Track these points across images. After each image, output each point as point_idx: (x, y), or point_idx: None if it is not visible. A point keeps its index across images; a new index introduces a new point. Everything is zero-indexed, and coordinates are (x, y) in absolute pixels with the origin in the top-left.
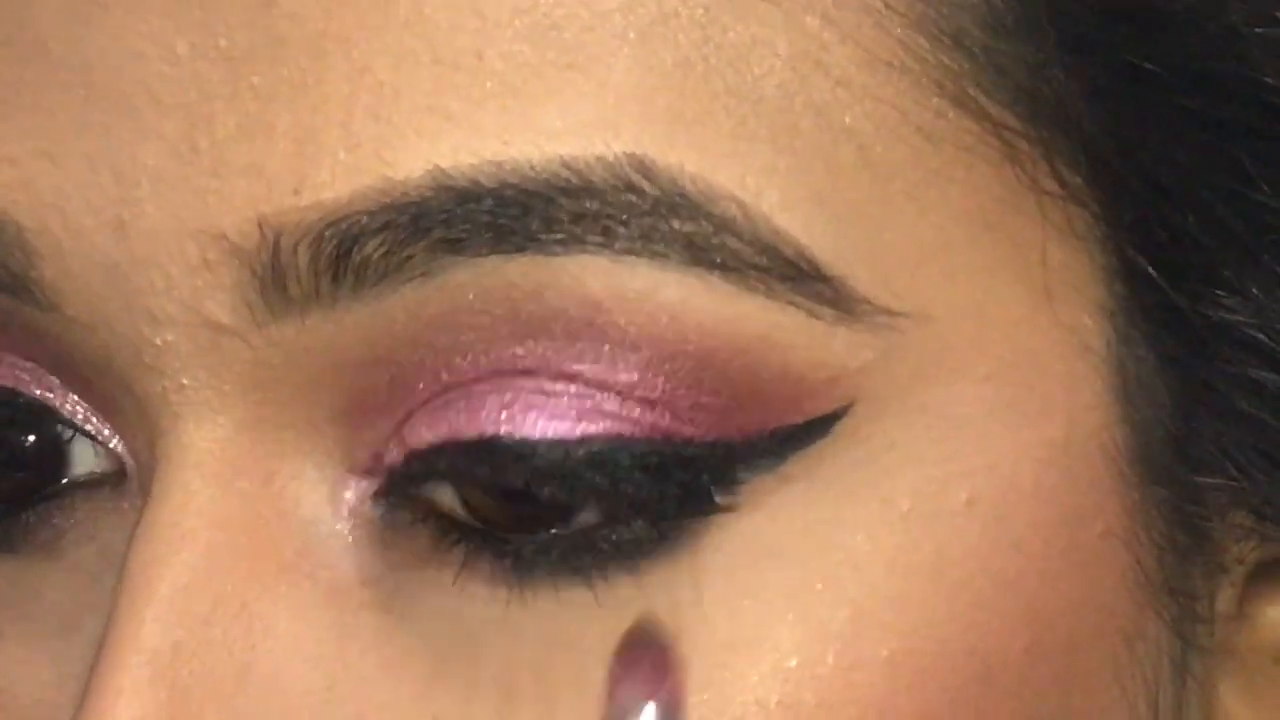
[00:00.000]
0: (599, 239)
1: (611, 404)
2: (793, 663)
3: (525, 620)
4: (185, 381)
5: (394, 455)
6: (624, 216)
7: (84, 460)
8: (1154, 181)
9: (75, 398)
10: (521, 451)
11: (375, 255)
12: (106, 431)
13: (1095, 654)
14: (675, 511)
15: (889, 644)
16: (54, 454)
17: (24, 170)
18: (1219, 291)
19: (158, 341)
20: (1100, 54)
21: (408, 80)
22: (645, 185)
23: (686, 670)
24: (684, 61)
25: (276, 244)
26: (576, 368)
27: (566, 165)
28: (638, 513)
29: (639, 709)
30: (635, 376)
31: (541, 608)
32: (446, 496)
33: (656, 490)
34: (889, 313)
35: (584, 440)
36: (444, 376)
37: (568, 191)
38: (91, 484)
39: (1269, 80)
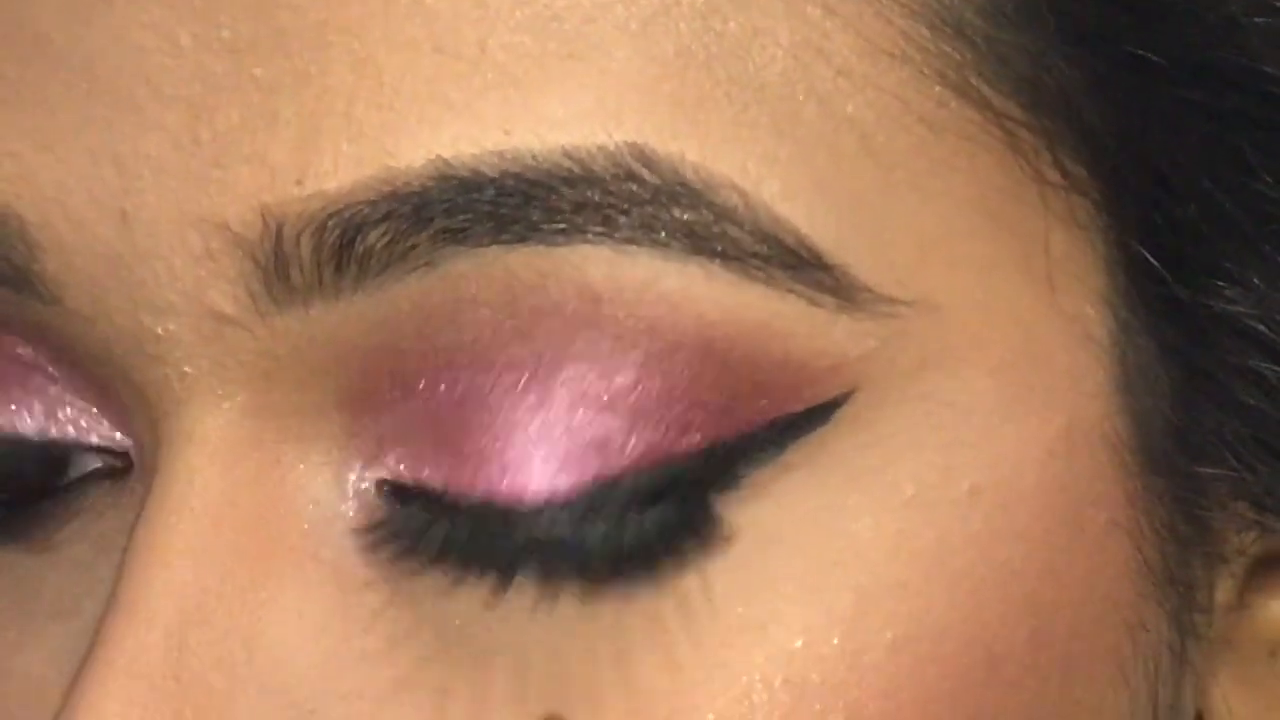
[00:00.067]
0: (600, 228)
1: (605, 432)
2: (798, 644)
3: (524, 616)
4: (187, 370)
5: (396, 466)
6: (625, 206)
7: (87, 456)
8: (1155, 172)
9: (77, 390)
10: (514, 519)
11: (378, 245)
12: (107, 425)
13: (1098, 643)
14: (675, 524)
15: (892, 628)
16: (57, 450)
17: (26, 163)
18: (1220, 282)
19: (159, 331)
20: (1102, 44)
21: (410, 70)
22: (646, 174)
23: None
24: (685, 50)
25: (279, 234)
26: (573, 381)
27: (568, 155)
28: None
29: None
30: (632, 378)
31: (540, 608)
32: None
33: (653, 524)
34: (891, 301)
35: (576, 491)
36: (445, 373)
37: (569, 181)
38: (94, 479)
39: (1270, 70)
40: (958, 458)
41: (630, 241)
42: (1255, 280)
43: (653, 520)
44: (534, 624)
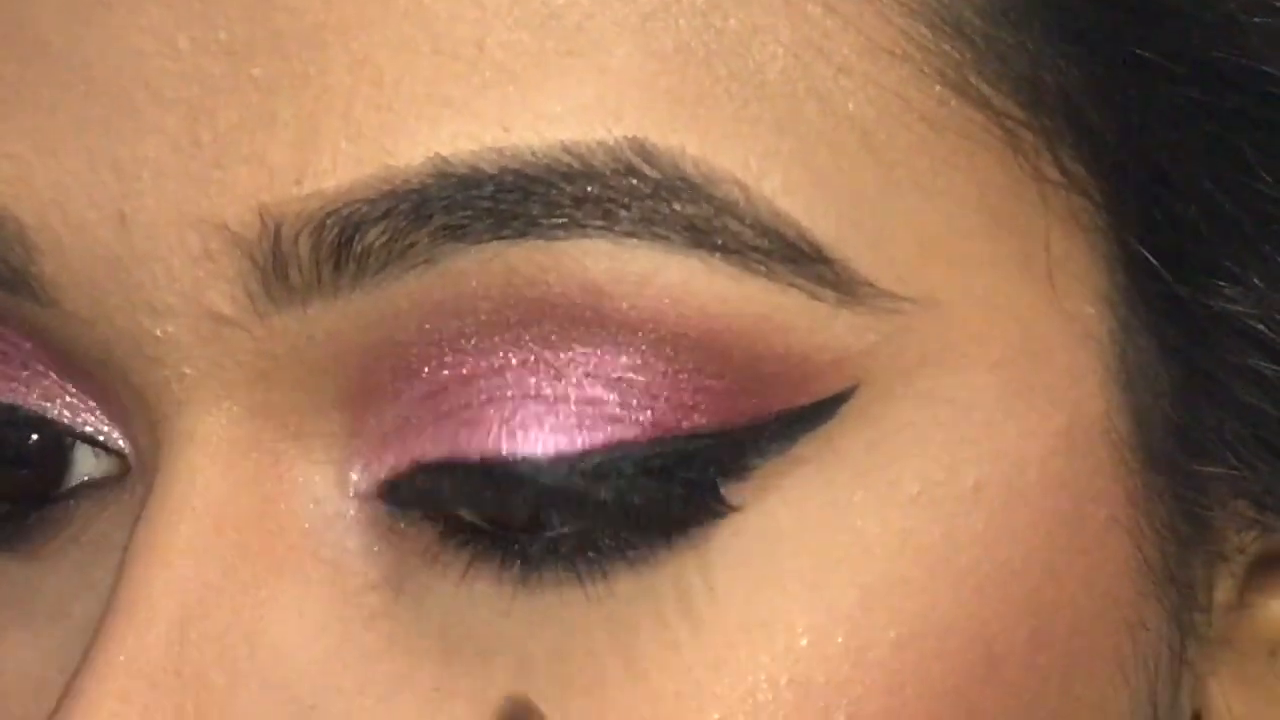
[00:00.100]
0: (600, 222)
1: (613, 405)
2: (804, 643)
3: (533, 614)
4: (187, 371)
5: (398, 459)
6: (625, 200)
7: (86, 461)
8: (1156, 170)
9: (75, 400)
10: (524, 473)
11: (377, 243)
12: (106, 429)
13: (1098, 641)
14: (681, 514)
15: (897, 626)
16: (56, 454)
17: (24, 166)
18: (1220, 281)
19: (158, 333)
20: (1101, 43)
21: (408, 70)
22: (646, 168)
23: None
24: (685, 47)
25: (278, 233)
26: (577, 362)
27: (567, 150)
28: (645, 521)
29: None
30: (638, 361)
31: (549, 603)
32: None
33: (662, 492)
34: (893, 296)
35: (586, 454)
36: (448, 360)
37: (569, 176)
38: (93, 484)
39: (1269, 69)
40: (961, 455)
41: (630, 235)
42: (1255, 279)
43: (662, 491)
44: (539, 624)
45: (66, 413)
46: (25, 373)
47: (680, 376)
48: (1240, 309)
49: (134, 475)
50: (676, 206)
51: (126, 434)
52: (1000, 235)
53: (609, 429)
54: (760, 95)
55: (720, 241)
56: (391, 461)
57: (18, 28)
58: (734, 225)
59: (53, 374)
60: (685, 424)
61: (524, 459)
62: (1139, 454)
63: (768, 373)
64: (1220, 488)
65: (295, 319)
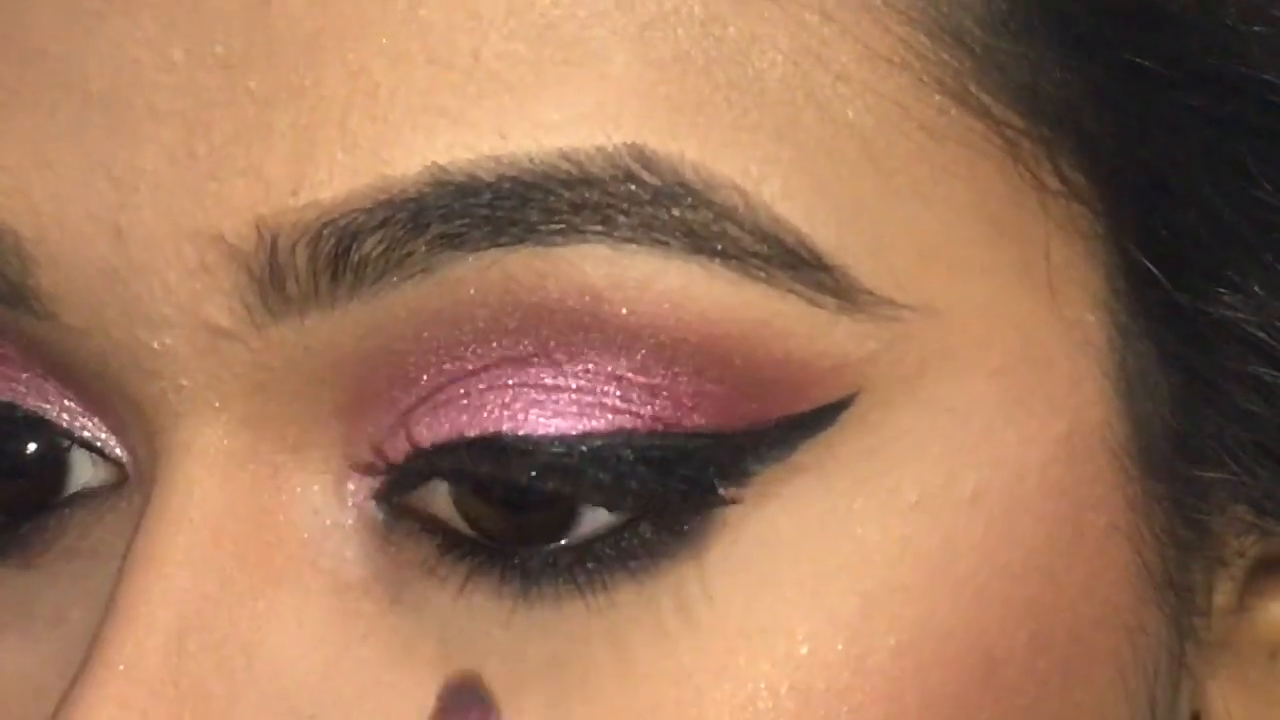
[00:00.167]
0: (599, 228)
1: (613, 397)
2: (804, 650)
3: (532, 626)
4: (184, 383)
5: (396, 450)
6: (624, 206)
7: (84, 470)
8: (1155, 179)
9: (72, 405)
10: (524, 448)
11: (374, 253)
12: (104, 436)
13: (1098, 647)
14: (679, 505)
15: (897, 633)
16: (54, 463)
17: (21, 178)
18: (1220, 288)
19: (155, 345)
20: (1100, 52)
21: (404, 80)
22: (645, 175)
23: None
24: (684, 55)
25: (274, 245)
26: (578, 361)
27: (565, 157)
28: (642, 507)
29: None
30: (637, 364)
31: (549, 616)
32: (446, 509)
33: (660, 484)
34: (893, 304)
35: (586, 436)
36: (447, 368)
37: (567, 183)
38: (90, 493)
39: (1269, 78)
40: (960, 462)
41: (629, 241)
42: (1255, 286)
43: (660, 483)
44: (538, 634)
45: (65, 416)
46: (25, 374)
47: (680, 380)
48: (1240, 316)
49: (131, 484)
50: (676, 212)
51: (124, 444)
52: (1000, 243)
53: (610, 417)
54: (759, 103)
55: (720, 247)
56: (389, 461)
57: (13, 40)
58: (733, 231)
59: (51, 384)
60: (686, 422)
61: (523, 436)
62: (1139, 460)
63: (768, 379)
64: (1220, 493)
65: (292, 330)
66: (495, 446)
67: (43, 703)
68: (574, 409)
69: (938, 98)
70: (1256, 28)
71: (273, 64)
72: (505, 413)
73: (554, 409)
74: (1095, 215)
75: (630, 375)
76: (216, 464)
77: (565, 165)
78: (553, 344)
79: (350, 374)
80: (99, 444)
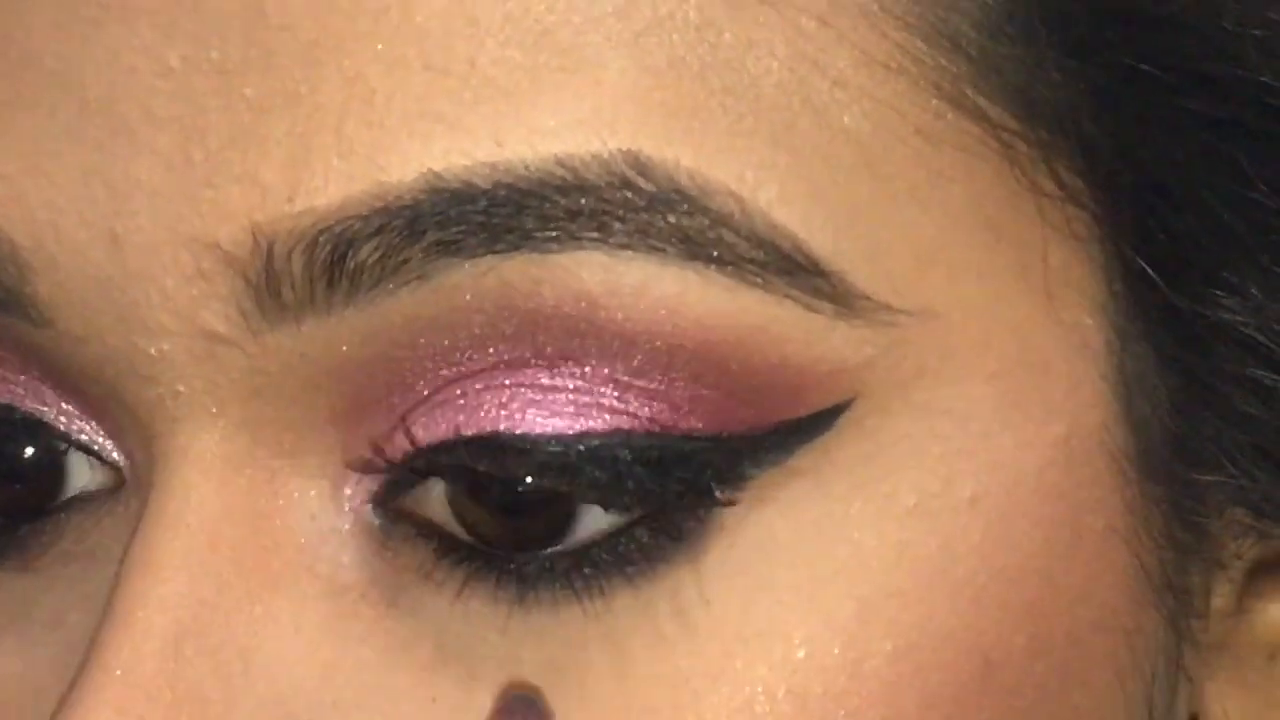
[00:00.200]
0: (595, 234)
1: (610, 398)
2: (801, 654)
3: (528, 631)
4: (181, 388)
5: (395, 449)
6: (620, 212)
7: (81, 474)
8: (1153, 182)
9: (70, 408)
10: (521, 446)
11: (370, 260)
12: (101, 440)
13: (1096, 650)
14: (676, 506)
15: (893, 637)
16: (51, 467)
17: (16, 185)
18: (1218, 291)
19: (152, 351)
20: (1097, 56)
21: (400, 86)
22: (641, 181)
23: None
24: (679, 61)
25: (270, 252)
26: (575, 365)
27: (561, 163)
28: (639, 508)
29: None
30: (634, 368)
31: (544, 621)
32: (443, 513)
33: (658, 485)
34: (890, 309)
35: (583, 435)
36: (444, 374)
37: (562, 189)
38: (88, 496)
39: (1266, 80)
40: (957, 466)
41: (625, 247)
42: (1253, 289)
43: (657, 484)
44: (534, 639)
45: (62, 419)
46: (23, 376)
47: (677, 384)
48: (1238, 319)
49: (129, 489)
50: (671, 219)
51: (121, 448)
52: (997, 247)
53: (607, 418)
54: (755, 108)
55: (715, 253)
56: (386, 461)
57: (9, 45)
58: (729, 237)
59: (48, 387)
60: (682, 424)
61: (521, 435)
62: (1137, 463)
63: (764, 384)
64: (1218, 496)
65: (289, 336)
66: (493, 444)
67: (40, 706)
68: (571, 409)
69: (934, 102)
70: (1254, 31)
71: (269, 70)
72: (502, 412)
73: (551, 409)
74: (1093, 218)
75: (627, 379)
76: (213, 469)
77: (561, 172)
78: (549, 349)
79: (347, 380)
80: (96, 448)
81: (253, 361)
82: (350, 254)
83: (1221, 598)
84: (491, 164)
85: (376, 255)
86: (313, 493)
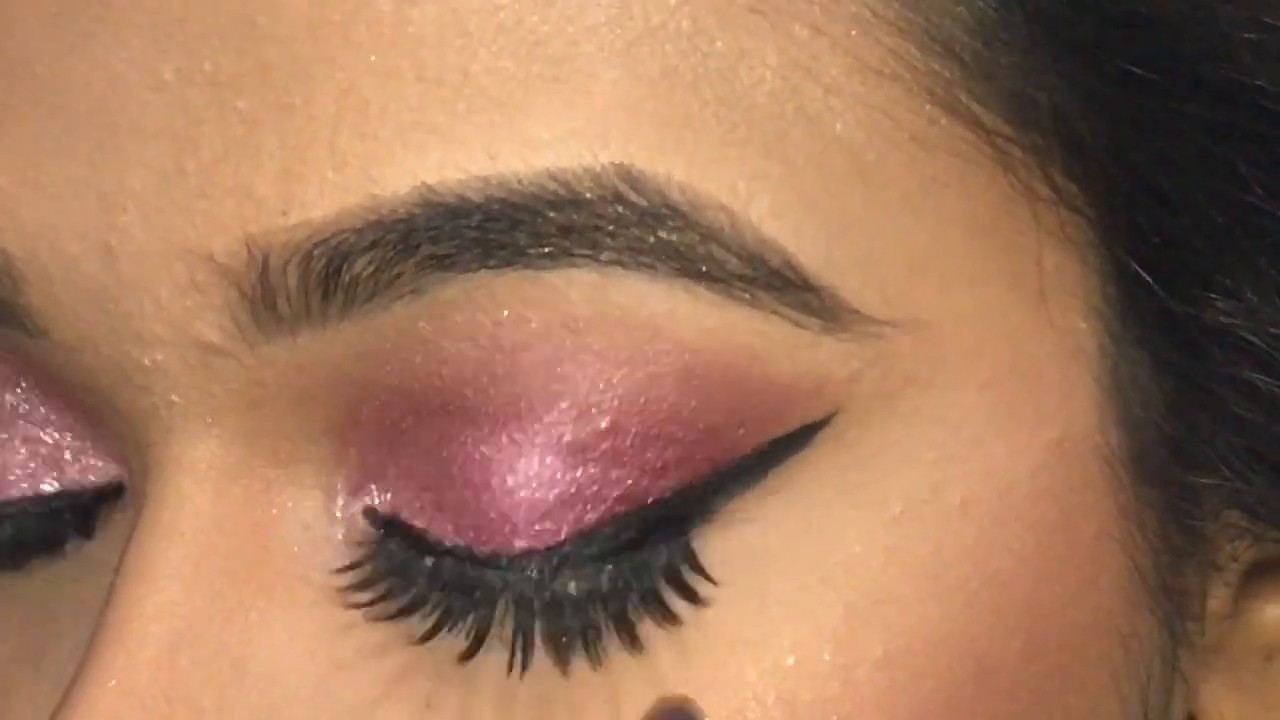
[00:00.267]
0: (586, 251)
1: (584, 472)
2: (790, 661)
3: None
4: (175, 399)
5: (381, 505)
6: (611, 228)
7: (78, 481)
8: (1147, 186)
9: (66, 418)
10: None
11: (364, 273)
12: (96, 449)
13: (1091, 653)
14: (655, 587)
15: (884, 643)
16: (45, 478)
17: (9, 198)
18: (1213, 294)
19: (146, 362)
20: (1091, 60)
21: (393, 98)
22: (633, 195)
23: None
24: (671, 71)
25: (265, 264)
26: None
27: (554, 178)
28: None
29: None
30: (611, 419)
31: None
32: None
33: (635, 573)
34: (879, 322)
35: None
36: (434, 396)
37: (555, 204)
38: (86, 504)
39: (1261, 84)
40: (948, 472)
41: (616, 264)
42: (1248, 292)
43: (632, 571)
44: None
45: (59, 455)
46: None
47: (653, 431)
48: (1233, 322)
49: (125, 499)
50: (662, 234)
51: (118, 459)
52: (991, 252)
53: (576, 513)
54: (748, 118)
55: (705, 269)
56: (375, 493)
57: (1, 58)
58: (719, 253)
59: (42, 413)
60: (655, 488)
61: (489, 560)
62: (1131, 467)
63: (746, 405)
64: (1213, 498)
65: (284, 348)
66: (467, 563)
67: (36, 715)
68: (541, 500)
69: (928, 108)
70: (1248, 34)
71: (262, 83)
72: (475, 517)
73: (524, 506)
74: (1087, 223)
75: (601, 441)
76: (208, 479)
77: (553, 186)
78: (526, 399)
79: (342, 392)
80: (94, 456)
81: (248, 373)
82: (345, 267)
83: (1217, 600)
84: (485, 178)
85: (371, 269)
86: (307, 503)
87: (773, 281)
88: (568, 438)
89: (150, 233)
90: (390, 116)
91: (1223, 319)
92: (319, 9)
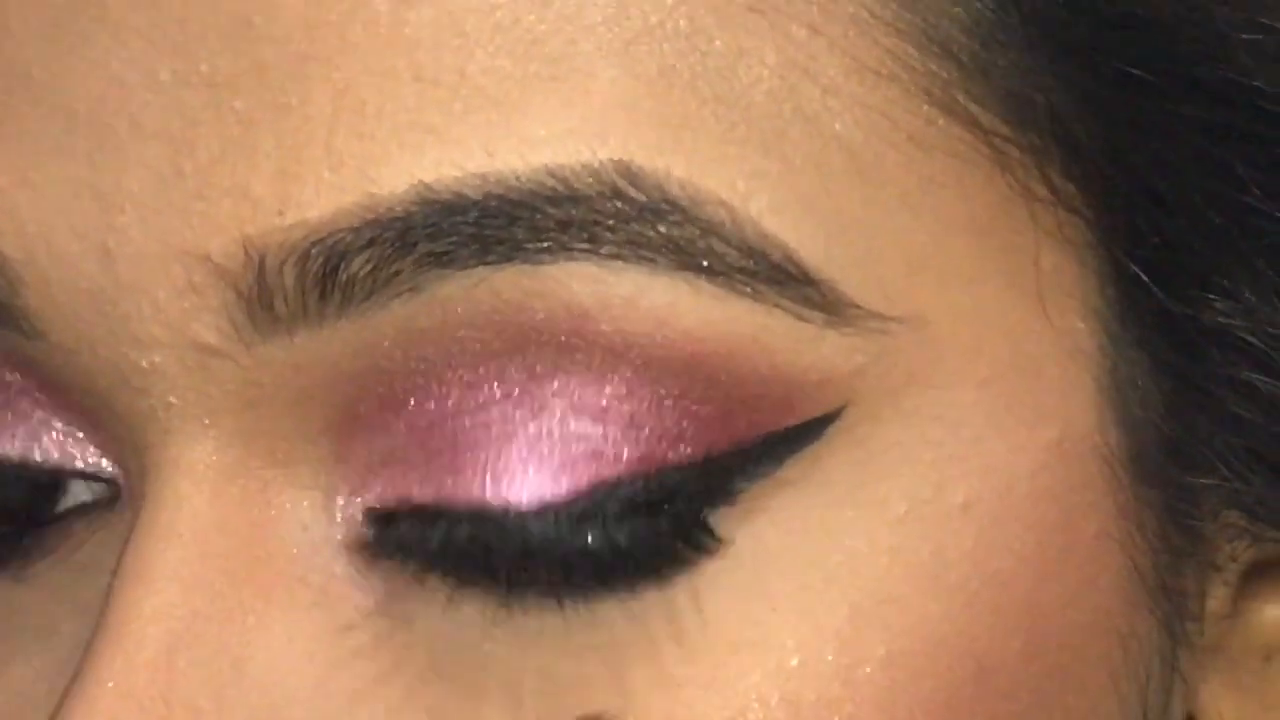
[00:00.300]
0: (585, 245)
1: (597, 439)
2: (794, 661)
3: (519, 637)
4: (173, 400)
5: (384, 497)
6: (610, 222)
7: (78, 485)
8: (1145, 186)
9: (63, 419)
10: (509, 526)
11: (362, 272)
12: (95, 450)
13: (1091, 653)
14: (669, 551)
15: (887, 643)
16: (42, 480)
17: (7, 199)
18: (1211, 295)
19: (144, 364)
20: (1089, 60)
21: (390, 98)
22: (631, 191)
23: None
24: (670, 70)
25: (262, 264)
26: (563, 394)
27: (552, 174)
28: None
29: None
30: (622, 390)
31: (532, 627)
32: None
33: (649, 531)
34: (881, 317)
35: (572, 501)
36: (434, 390)
37: (553, 200)
38: (84, 507)
39: (1258, 84)
40: (949, 472)
41: (616, 258)
42: (1246, 292)
43: (648, 530)
44: (526, 646)
45: (56, 456)
46: (11, 422)
47: (665, 404)
48: (1231, 322)
49: (122, 499)
50: (662, 228)
51: (116, 460)
52: (989, 252)
53: (594, 467)
54: (746, 117)
55: (706, 263)
56: (378, 491)
57: None
58: (720, 247)
59: (40, 414)
60: (671, 455)
61: (509, 512)
62: (1130, 467)
63: (754, 395)
64: (1212, 498)
65: (281, 348)
66: (481, 528)
67: (33, 717)
68: (556, 459)
69: (926, 108)
70: (1245, 34)
71: (259, 83)
72: (489, 475)
73: (537, 464)
74: (1085, 223)
75: (615, 405)
76: (206, 480)
77: (552, 182)
78: (539, 369)
79: (340, 392)
80: (91, 470)
81: (245, 373)
82: (342, 266)
83: (1216, 600)
84: (482, 175)
85: (368, 267)
86: (305, 503)
87: (774, 276)
88: (582, 401)
89: (148, 234)
90: (387, 116)
91: (1221, 319)
92: (315, 9)
